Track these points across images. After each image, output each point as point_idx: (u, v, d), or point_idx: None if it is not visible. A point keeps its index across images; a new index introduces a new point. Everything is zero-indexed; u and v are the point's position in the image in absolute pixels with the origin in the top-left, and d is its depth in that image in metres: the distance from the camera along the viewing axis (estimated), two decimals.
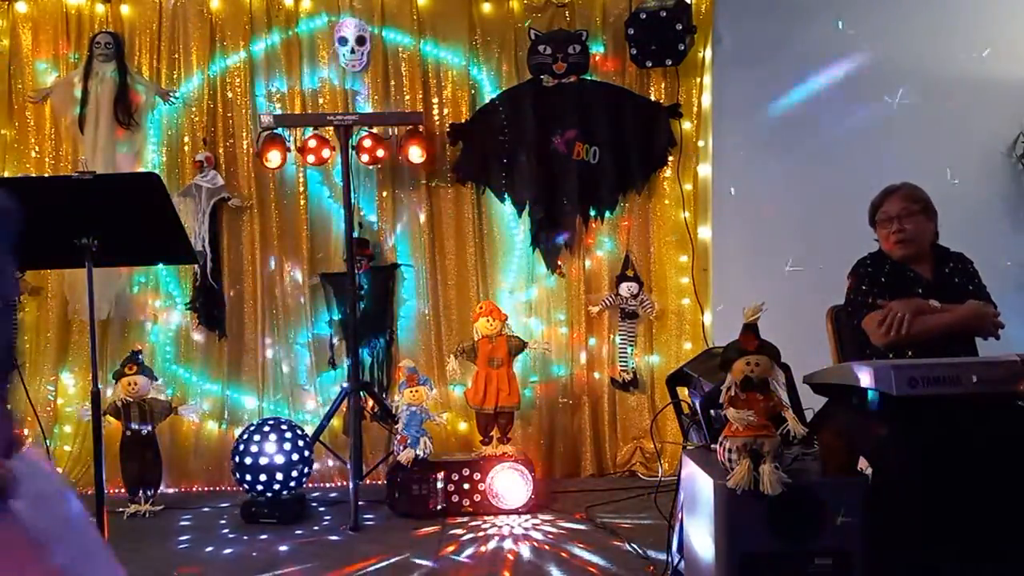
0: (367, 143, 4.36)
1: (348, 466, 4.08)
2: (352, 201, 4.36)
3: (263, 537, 3.71)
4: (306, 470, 4.04)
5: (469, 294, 4.64)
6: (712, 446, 2.57)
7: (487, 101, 4.62)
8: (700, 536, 2.56)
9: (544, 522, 3.83)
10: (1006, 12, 4.49)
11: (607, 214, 4.64)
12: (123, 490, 4.14)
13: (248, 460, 3.89)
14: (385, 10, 4.61)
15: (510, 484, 3.94)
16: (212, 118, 4.61)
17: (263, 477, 3.89)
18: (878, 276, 3.03)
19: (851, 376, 2.54)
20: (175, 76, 4.60)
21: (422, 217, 4.64)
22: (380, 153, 4.40)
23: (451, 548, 3.51)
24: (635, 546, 3.44)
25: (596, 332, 4.69)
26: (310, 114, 4.56)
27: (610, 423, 4.65)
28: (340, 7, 4.59)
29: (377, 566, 3.33)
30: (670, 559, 2.93)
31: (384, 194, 4.65)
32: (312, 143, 4.34)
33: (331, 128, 4.31)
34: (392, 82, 4.63)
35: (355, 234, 4.37)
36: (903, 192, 3.06)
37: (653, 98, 4.61)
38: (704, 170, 4.63)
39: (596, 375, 4.69)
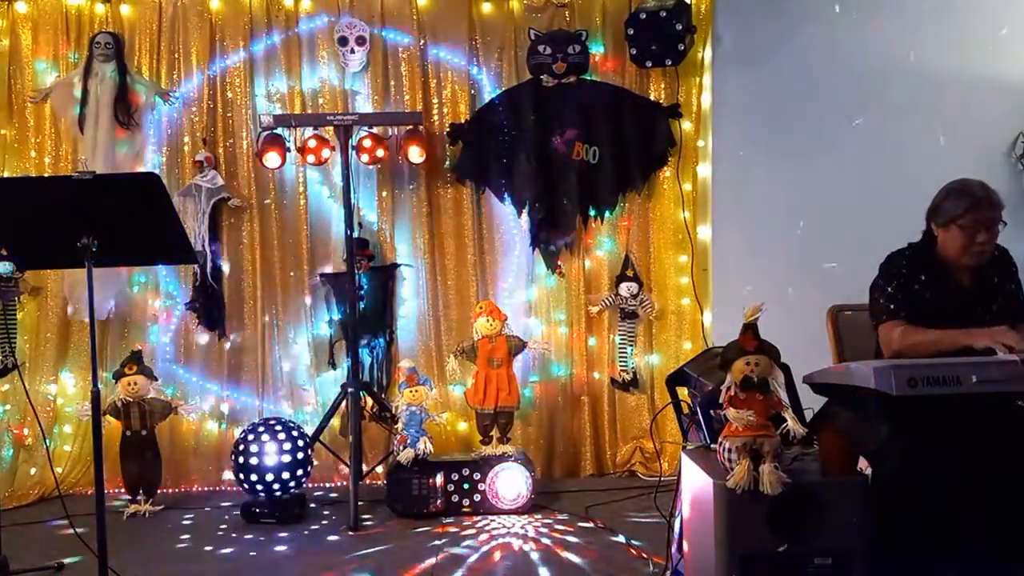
0: (367, 143, 4.36)
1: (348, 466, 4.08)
2: (352, 201, 4.37)
3: (263, 537, 3.71)
4: (306, 470, 4.05)
5: (469, 294, 4.64)
6: (712, 446, 2.58)
7: (487, 101, 4.62)
8: (700, 536, 2.56)
9: (544, 522, 3.83)
10: (1006, 12, 4.49)
11: (607, 214, 4.64)
12: (123, 490, 4.16)
13: (248, 460, 3.90)
14: (385, 10, 4.61)
15: (510, 484, 3.94)
16: (212, 118, 4.61)
17: (263, 477, 3.90)
18: (917, 275, 2.84)
19: (851, 376, 2.54)
20: (175, 76, 4.60)
21: (422, 217, 4.64)
22: (380, 153, 4.39)
23: (451, 548, 3.51)
24: (635, 546, 3.44)
25: (596, 332, 4.69)
26: (310, 114, 4.56)
27: (610, 423, 4.65)
28: (340, 7, 4.59)
29: (377, 566, 3.33)
30: (670, 559, 2.92)
31: (384, 194, 4.65)
32: (312, 143, 4.33)
33: (331, 128, 4.32)
34: (392, 82, 4.63)
35: (355, 234, 4.38)
36: (992, 198, 2.84)
37: (653, 98, 4.61)
38: (704, 170, 4.63)
39: (596, 375, 4.69)
